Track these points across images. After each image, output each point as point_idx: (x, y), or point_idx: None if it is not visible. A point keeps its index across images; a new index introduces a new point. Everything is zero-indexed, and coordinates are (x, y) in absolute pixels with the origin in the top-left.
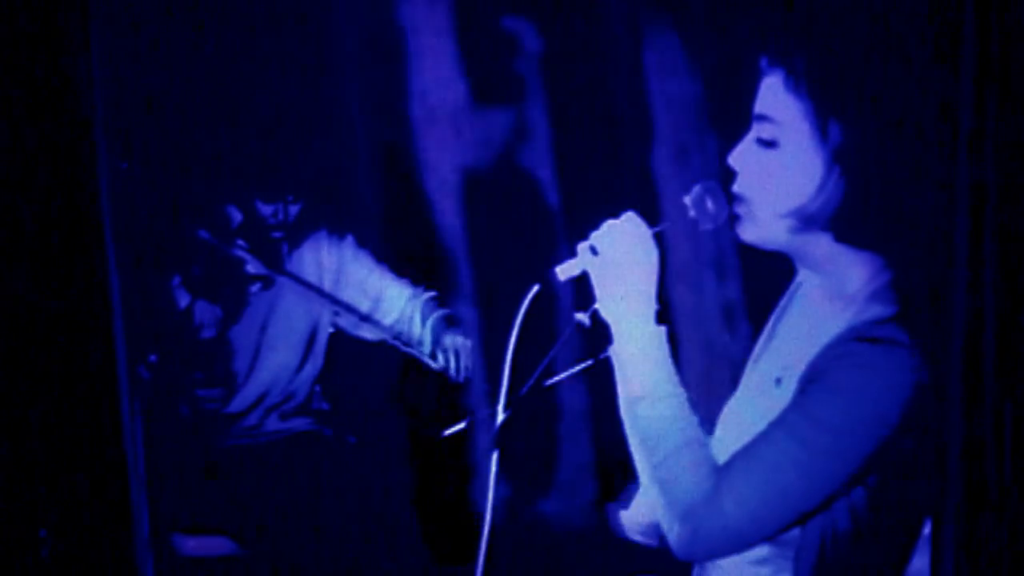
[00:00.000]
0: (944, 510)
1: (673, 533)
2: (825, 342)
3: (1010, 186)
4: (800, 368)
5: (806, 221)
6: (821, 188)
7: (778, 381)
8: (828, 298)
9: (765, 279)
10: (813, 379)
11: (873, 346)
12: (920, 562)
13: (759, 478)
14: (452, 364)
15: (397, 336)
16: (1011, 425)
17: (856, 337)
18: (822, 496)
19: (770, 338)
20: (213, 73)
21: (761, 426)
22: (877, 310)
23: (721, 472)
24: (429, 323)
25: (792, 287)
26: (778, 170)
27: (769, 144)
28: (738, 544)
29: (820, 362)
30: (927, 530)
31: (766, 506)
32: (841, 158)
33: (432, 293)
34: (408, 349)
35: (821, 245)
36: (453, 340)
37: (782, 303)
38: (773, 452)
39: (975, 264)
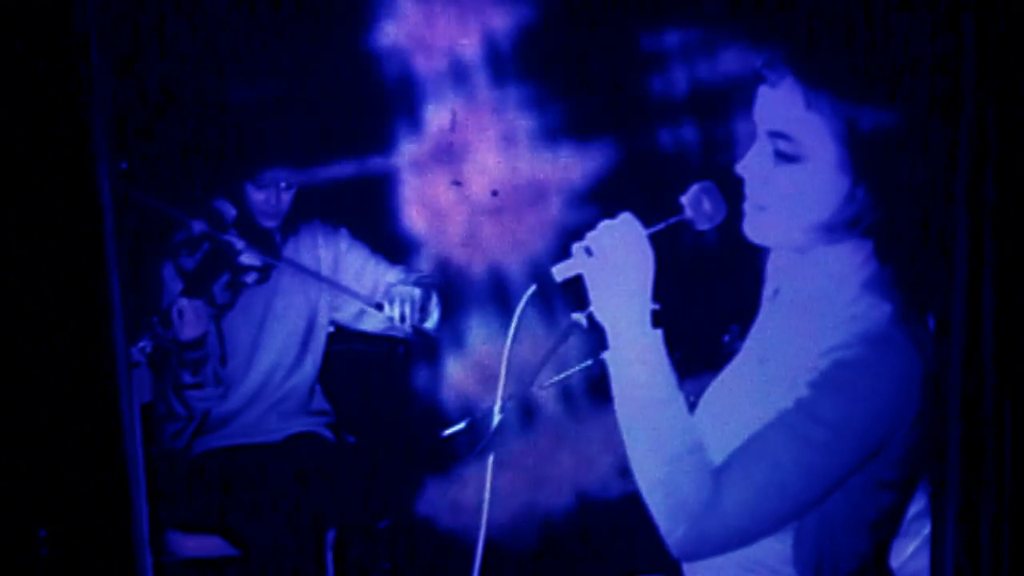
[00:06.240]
0: (944, 509)
1: (675, 536)
2: (815, 325)
3: (1010, 186)
4: (787, 351)
5: (827, 230)
6: (848, 200)
7: (762, 361)
8: (818, 281)
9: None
10: (814, 377)
11: (873, 345)
12: (920, 562)
13: (759, 476)
14: (398, 312)
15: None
16: (1011, 424)
17: (855, 337)
18: (821, 491)
19: (759, 319)
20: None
21: (744, 407)
22: (870, 301)
23: (720, 473)
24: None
25: (774, 268)
26: (803, 185)
27: (791, 159)
28: (740, 542)
29: (821, 361)
30: (927, 530)
31: (767, 503)
32: (866, 169)
33: (422, 273)
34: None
35: (823, 241)
36: (402, 290)
37: (769, 285)
38: (773, 450)
39: (975, 263)
